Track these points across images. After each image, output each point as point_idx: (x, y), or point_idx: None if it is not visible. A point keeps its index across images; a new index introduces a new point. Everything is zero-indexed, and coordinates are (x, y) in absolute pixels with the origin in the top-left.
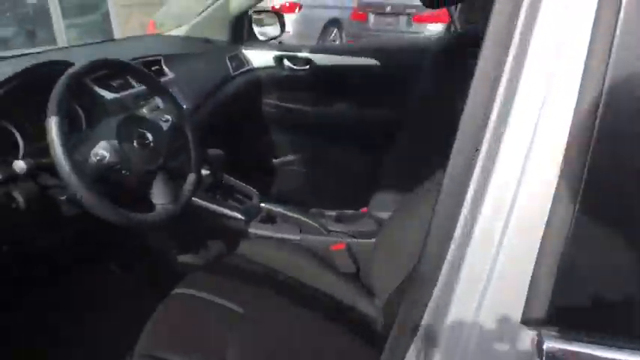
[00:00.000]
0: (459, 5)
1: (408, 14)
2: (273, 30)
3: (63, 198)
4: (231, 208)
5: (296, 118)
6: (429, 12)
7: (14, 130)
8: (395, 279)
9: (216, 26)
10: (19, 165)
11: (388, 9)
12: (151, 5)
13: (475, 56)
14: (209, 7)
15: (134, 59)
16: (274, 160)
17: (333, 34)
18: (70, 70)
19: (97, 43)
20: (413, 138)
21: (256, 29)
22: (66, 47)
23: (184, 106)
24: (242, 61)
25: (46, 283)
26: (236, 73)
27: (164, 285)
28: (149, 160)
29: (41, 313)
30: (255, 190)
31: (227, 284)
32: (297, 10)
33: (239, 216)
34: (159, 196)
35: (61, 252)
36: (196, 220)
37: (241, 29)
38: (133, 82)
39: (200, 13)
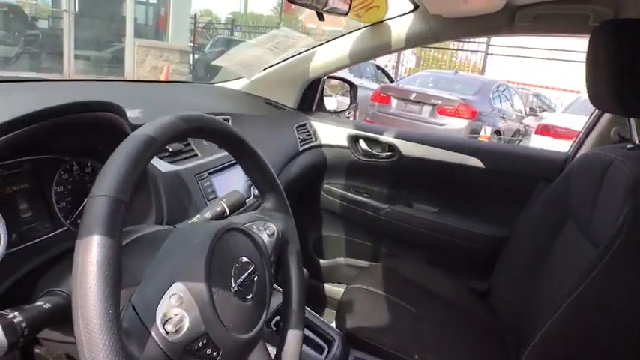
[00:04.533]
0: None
1: (433, 105)
2: (341, 101)
3: None
4: None
5: (365, 215)
6: (454, 105)
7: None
8: None
9: (280, 87)
10: None
11: (413, 96)
12: (168, 51)
13: None
14: (277, 64)
15: None
16: (323, 261)
17: (347, 111)
18: (150, 131)
19: (134, 81)
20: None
21: (326, 98)
22: (101, 80)
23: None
24: (310, 135)
25: None
26: (303, 148)
27: None
28: (249, 320)
29: None
30: (338, 331)
31: None
32: None
33: None
34: None
35: None
36: None
37: (312, 96)
38: (196, 150)
39: (265, 69)
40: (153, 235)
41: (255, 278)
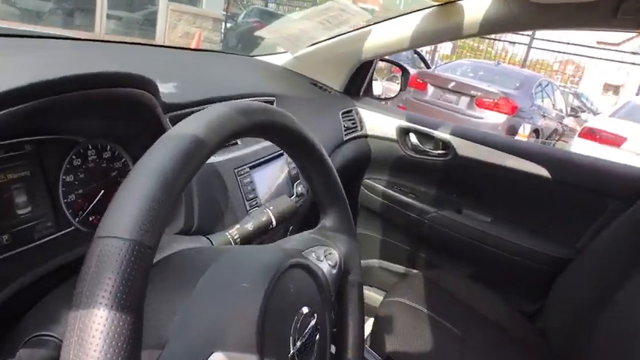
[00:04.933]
0: None
1: (472, 96)
2: (386, 87)
3: None
4: None
5: (408, 217)
6: (494, 99)
7: None
8: None
9: (327, 66)
10: None
11: (451, 85)
12: (201, 17)
13: None
14: (326, 40)
15: (239, 96)
16: None
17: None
18: (198, 130)
19: (168, 47)
20: None
21: (375, 82)
22: (131, 43)
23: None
24: (355, 123)
25: None
26: (348, 137)
27: None
28: None
29: None
30: (379, 358)
31: None
32: None
33: None
34: None
35: None
36: None
37: (362, 79)
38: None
39: (312, 45)
40: (184, 258)
41: (318, 336)
